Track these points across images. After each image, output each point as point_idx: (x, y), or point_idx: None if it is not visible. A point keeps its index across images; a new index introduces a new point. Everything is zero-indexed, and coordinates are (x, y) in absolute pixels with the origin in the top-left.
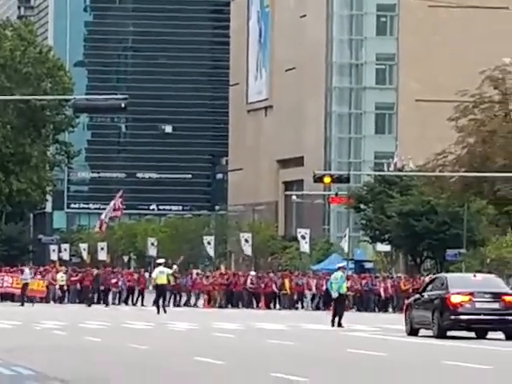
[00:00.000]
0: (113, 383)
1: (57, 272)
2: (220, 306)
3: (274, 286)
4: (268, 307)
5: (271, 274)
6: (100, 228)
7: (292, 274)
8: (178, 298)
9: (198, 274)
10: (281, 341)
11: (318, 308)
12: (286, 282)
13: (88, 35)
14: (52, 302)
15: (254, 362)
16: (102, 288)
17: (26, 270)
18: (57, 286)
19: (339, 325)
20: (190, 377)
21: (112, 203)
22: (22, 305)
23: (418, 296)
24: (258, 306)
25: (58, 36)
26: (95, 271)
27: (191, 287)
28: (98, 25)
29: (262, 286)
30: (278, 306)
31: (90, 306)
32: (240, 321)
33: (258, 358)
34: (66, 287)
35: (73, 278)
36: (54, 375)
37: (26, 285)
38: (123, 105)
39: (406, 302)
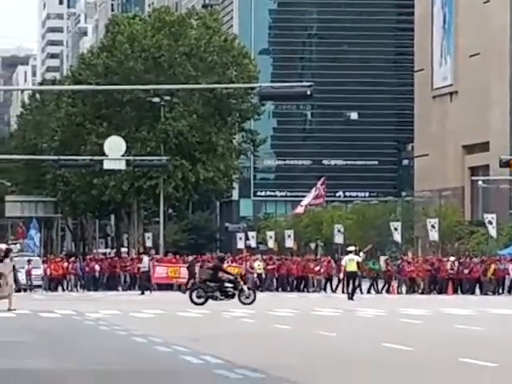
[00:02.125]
0: (301, 372)
1: (254, 260)
2: (422, 292)
3: (478, 272)
4: (463, 292)
5: (475, 259)
6: (298, 213)
7: (496, 259)
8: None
9: (402, 259)
10: (468, 326)
11: None
12: (492, 266)
13: (272, 23)
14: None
15: (442, 348)
16: (298, 275)
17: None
18: (254, 275)
19: None
20: (377, 363)
21: (313, 190)
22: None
23: None
24: (445, 292)
25: (242, 24)
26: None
27: (398, 273)
28: (282, 13)
29: (466, 271)
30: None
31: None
32: (428, 306)
33: (445, 343)
34: (263, 275)
35: (269, 267)
36: (242, 364)
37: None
38: (309, 92)
39: None
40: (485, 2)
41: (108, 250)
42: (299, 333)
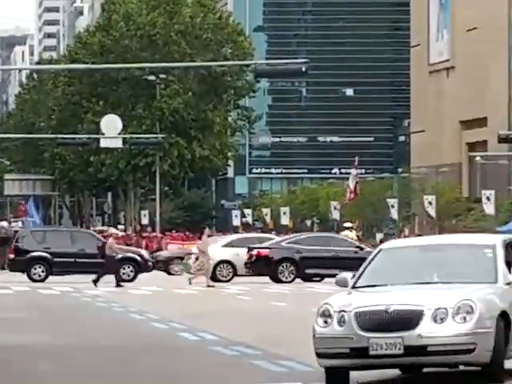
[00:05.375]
0: (297, 349)
1: None
2: None
3: None
4: None
5: None
6: (351, 197)
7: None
8: None
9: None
10: None
11: None
12: None
13: (267, 0)
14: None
15: None
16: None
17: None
18: None
19: None
20: None
21: (353, 171)
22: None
23: None
24: None
25: (237, 1)
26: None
27: None
28: None
29: None
30: None
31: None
32: None
33: None
34: None
35: None
36: (238, 340)
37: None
38: (304, 69)
39: None
40: None
41: (104, 228)
42: (294, 310)
